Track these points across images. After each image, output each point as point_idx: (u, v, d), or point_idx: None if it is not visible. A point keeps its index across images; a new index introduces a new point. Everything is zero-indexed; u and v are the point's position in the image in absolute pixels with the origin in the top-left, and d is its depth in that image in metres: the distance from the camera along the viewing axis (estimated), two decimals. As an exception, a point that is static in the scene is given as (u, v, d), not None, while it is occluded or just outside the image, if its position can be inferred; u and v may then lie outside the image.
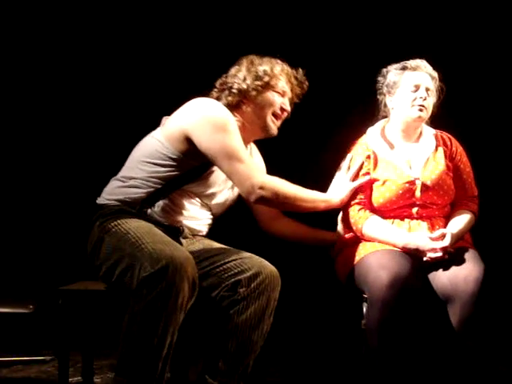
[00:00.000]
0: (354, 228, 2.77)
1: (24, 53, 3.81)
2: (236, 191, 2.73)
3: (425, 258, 2.64)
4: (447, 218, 2.81)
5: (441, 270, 2.62)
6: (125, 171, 2.63)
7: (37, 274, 3.72)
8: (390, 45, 3.64)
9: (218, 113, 2.55)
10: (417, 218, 2.75)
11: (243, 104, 2.68)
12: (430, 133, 2.87)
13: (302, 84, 2.77)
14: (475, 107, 3.76)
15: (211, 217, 2.74)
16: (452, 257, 2.64)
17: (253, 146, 2.86)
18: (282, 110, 2.71)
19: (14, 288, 3.54)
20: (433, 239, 2.65)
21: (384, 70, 2.89)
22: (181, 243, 2.57)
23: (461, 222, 2.77)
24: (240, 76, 2.67)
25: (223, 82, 2.71)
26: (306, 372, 3.36)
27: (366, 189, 2.78)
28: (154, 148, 2.57)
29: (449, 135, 2.91)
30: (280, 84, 2.69)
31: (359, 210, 2.76)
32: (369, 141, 2.84)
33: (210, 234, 2.77)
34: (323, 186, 2.83)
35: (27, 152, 3.87)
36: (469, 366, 2.52)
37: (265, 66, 2.68)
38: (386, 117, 2.92)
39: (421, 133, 2.87)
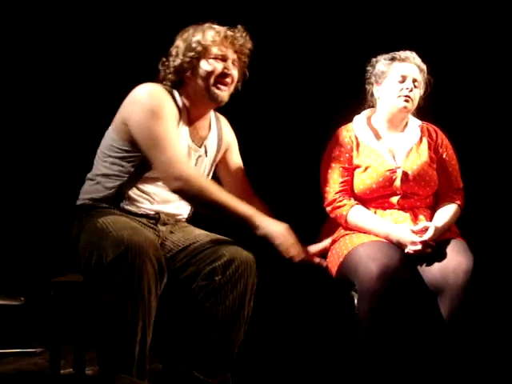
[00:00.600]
0: (338, 215, 2.79)
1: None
2: (206, 167, 2.70)
3: (406, 250, 2.66)
4: (430, 209, 2.83)
5: (430, 262, 2.63)
6: (93, 169, 2.63)
7: (28, 266, 3.71)
8: (380, 36, 3.64)
9: (149, 98, 2.49)
10: (398, 209, 2.77)
11: (186, 79, 2.60)
12: (415, 124, 2.90)
13: (244, 41, 2.63)
14: (463, 100, 3.79)
15: None
16: (439, 249, 2.66)
17: (221, 119, 2.81)
18: (226, 74, 2.58)
19: (5, 280, 3.53)
20: (414, 232, 2.67)
21: (373, 59, 2.91)
22: (158, 230, 2.57)
23: (446, 214, 2.79)
24: (174, 52, 2.61)
25: (163, 61, 2.65)
26: (297, 362, 3.37)
27: (349, 176, 2.80)
28: (108, 142, 2.58)
29: (435, 127, 2.94)
30: (216, 49, 2.57)
31: (343, 197, 2.78)
32: (354, 127, 2.88)
33: (196, 221, 2.75)
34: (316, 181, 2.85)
35: (21, 147, 3.87)
36: (457, 357, 2.54)
37: (197, 35, 2.58)
38: (372, 106, 2.94)
39: (406, 123, 2.90)
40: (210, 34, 2.58)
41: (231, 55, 2.60)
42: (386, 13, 3.78)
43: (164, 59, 2.64)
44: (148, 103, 2.48)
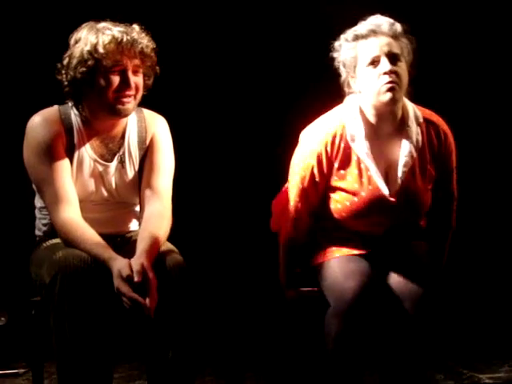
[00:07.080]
0: None
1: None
2: (127, 177, 2.52)
3: None
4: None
5: (395, 269, 2.53)
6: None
7: (8, 286, 3.73)
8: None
9: (30, 136, 2.40)
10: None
11: (84, 91, 2.38)
12: (415, 122, 2.44)
13: (143, 44, 2.35)
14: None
15: (129, 205, 2.55)
16: (403, 255, 2.58)
17: (149, 119, 2.52)
18: (126, 87, 2.35)
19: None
20: None
21: (336, 44, 2.43)
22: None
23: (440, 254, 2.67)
24: (66, 63, 2.37)
25: (58, 70, 2.41)
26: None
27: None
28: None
29: (444, 128, 2.50)
30: (111, 61, 2.32)
31: None
32: (347, 128, 2.41)
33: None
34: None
35: None
36: (422, 350, 2.47)
37: (89, 43, 2.32)
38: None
39: (403, 120, 2.43)
40: (102, 43, 2.31)
41: (130, 63, 2.35)
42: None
43: (59, 66, 2.40)
44: (29, 142, 2.40)
